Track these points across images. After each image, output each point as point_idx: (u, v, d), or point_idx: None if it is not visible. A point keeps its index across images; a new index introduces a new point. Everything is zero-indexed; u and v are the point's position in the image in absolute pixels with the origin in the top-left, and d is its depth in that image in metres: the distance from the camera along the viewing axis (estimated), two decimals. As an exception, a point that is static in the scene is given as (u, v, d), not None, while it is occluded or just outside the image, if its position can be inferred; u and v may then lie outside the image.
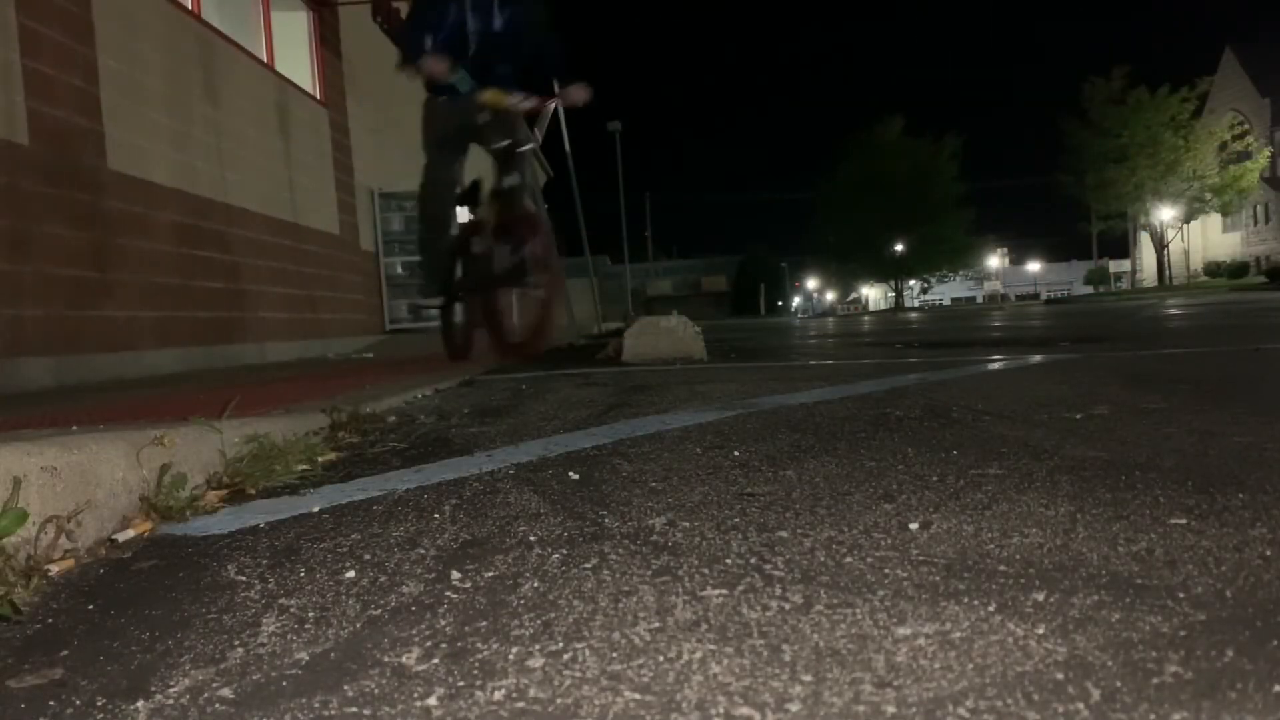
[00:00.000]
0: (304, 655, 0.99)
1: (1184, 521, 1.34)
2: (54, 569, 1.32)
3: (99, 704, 0.90)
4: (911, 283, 61.02)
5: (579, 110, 4.93)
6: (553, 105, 4.83)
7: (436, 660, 0.96)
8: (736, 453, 2.09)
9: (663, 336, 5.53)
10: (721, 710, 0.81)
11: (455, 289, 5.16)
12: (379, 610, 1.12)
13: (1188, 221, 47.55)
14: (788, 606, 1.06)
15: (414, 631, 1.04)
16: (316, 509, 1.70)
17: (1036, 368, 4.10)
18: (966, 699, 0.80)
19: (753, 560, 1.25)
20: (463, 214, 5.18)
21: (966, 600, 1.05)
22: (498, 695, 0.86)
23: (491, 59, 4.73)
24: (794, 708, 0.81)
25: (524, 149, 4.68)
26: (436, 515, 1.61)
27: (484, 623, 1.06)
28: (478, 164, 5.08)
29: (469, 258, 5.01)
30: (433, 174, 4.99)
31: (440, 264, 5.08)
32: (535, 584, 1.19)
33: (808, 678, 0.86)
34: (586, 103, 4.81)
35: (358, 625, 1.08)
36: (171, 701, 0.90)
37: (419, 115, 5.05)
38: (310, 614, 1.12)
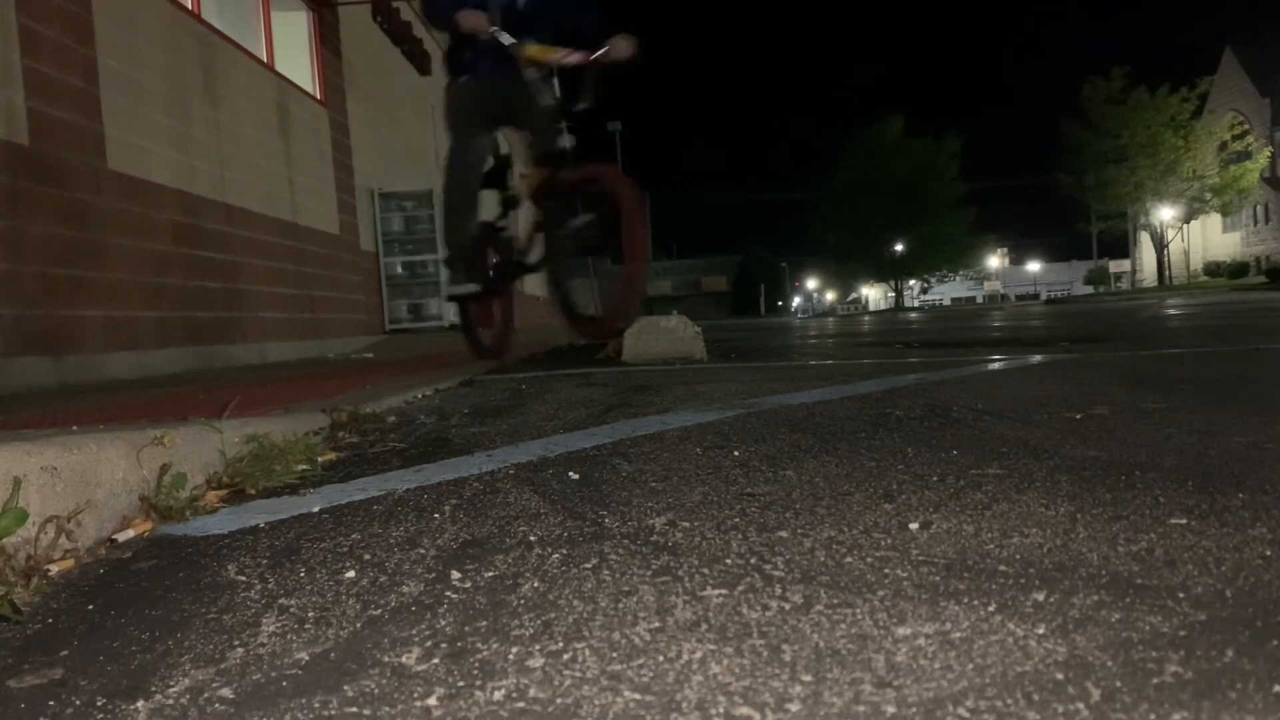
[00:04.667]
0: (304, 655, 0.99)
1: (1184, 521, 1.34)
2: (54, 569, 1.32)
3: (99, 704, 0.90)
4: (911, 283, 61.00)
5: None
6: (599, 59, 4.37)
7: (436, 660, 0.96)
8: (736, 453, 2.09)
9: (663, 336, 5.53)
10: (721, 710, 0.81)
11: (492, 277, 4.86)
12: (379, 610, 1.12)
13: (1188, 221, 47.52)
14: (788, 606, 1.06)
15: (414, 631, 1.04)
16: (316, 509, 1.70)
17: (1037, 368, 4.10)
18: (966, 699, 0.80)
19: (753, 560, 1.24)
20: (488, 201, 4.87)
21: (966, 600, 1.05)
22: (498, 695, 0.86)
23: (527, 17, 4.39)
24: (794, 708, 0.81)
25: (580, 107, 4.34)
26: (436, 515, 1.61)
27: (484, 623, 1.06)
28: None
29: (506, 243, 4.76)
30: (458, 157, 4.65)
31: (469, 250, 4.77)
32: (535, 584, 1.19)
33: (808, 678, 0.86)
34: (634, 58, 4.37)
35: (358, 625, 1.08)
36: (171, 701, 0.89)
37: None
38: (310, 614, 1.12)
